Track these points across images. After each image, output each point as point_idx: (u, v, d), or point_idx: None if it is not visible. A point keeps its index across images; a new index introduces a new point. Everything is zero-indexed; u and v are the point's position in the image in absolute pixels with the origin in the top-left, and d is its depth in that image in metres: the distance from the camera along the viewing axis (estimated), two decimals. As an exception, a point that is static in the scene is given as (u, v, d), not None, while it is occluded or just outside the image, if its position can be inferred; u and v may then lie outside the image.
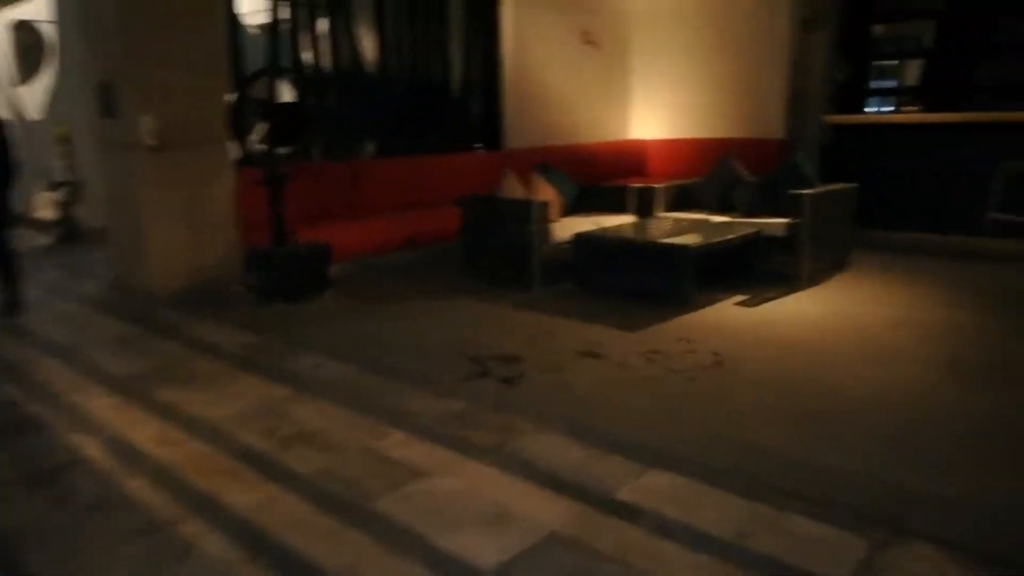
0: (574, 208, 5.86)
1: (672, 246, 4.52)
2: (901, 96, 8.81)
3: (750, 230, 4.94)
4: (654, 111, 8.67)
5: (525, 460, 2.61)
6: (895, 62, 9.06)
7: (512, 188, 5.52)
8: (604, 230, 5.11)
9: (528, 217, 4.92)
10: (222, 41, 5.12)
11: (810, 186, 5.32)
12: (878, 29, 8.64)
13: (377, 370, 3.55)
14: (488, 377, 3.43)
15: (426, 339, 4.05)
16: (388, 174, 6.07)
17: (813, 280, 5.12)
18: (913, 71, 8.56)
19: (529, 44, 7.34)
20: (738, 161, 5.88)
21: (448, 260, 5.69)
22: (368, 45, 6.50)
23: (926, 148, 6.78)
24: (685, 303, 4.53)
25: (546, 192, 5.65)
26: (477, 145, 7.34)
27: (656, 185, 5.78)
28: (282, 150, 4.93)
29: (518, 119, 7.32)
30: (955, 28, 8.00)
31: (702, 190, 5.90)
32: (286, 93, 6.28)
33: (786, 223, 5.03)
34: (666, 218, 5.55)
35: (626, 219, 5.60)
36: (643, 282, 4.68)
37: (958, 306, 4.50)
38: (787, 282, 5.02)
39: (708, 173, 5.97)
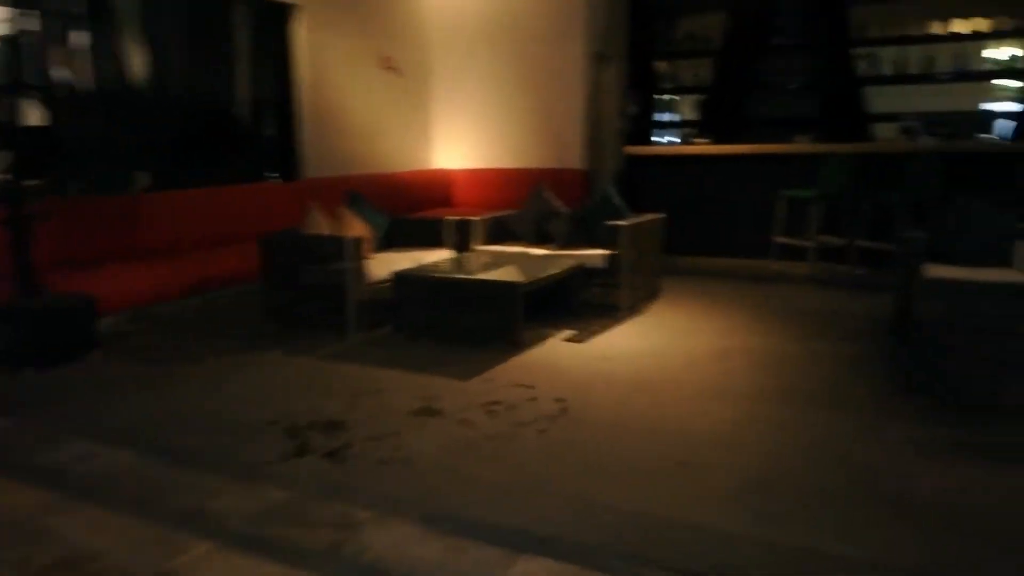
0: (386, 243, 5.43)
1: (502, 283, 4.26)
2: (685, 128, 9.40)
3: (572, 263, 4.81)
4: (459, 140, 8.48)
5: (370, 564, 2.15)
6: (680, 97, 9.62)
7: (318, 222, 4.98)
8: (426, 267, 4.75)
9: (341, 255, 4.44)
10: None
11: (622, 217, 5.34)
12: (663, 66, 9.20)
13: (167, 457, 2.89)
14: (309, 453, 2.91)
15: (227, 409, 3.42)
16: (170, 209, 5.26)
17: (633, 310, 5.12)
18: (696, 106, 9.16)
19: (327, 67, 6.82)
20: (551, 193, 5.80)
21: (247, 306, 5.01)
22: (139, 62, 5.63)
23: (715, 177, 7.19)
24: (516, 343, 4.28)
25: (357, 226, 5.17)
26: (271, 175, 6.67)
27: (473, 218, 5.52)
28: (30, 183, 4.04)
29: (317, 147, 6.76)
30: (728, 67, 8.67)
31: (518, 222, 5.73)
32: (35, 116, 5.25)
33: (605, 254, 4.98)
34: (486, 252, 5.30)
35: (444, 254, 5.27)
36: (472, 322, 4.36)
37: (771, 332, 4.67)
38: (609, 313, 4.96)
39: (523, 205, 5.82)
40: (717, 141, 7.76)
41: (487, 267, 4.77)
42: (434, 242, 5.45)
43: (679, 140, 9.35)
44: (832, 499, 2.53)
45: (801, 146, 6.90)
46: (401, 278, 4.57)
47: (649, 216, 5.41)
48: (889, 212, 6.05)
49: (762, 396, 3.55)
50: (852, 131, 7.92)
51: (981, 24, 7.61)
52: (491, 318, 4.31)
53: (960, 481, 2.66)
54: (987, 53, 8.14)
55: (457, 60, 8.22)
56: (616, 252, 4.94)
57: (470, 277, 4.49)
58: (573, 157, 7.96)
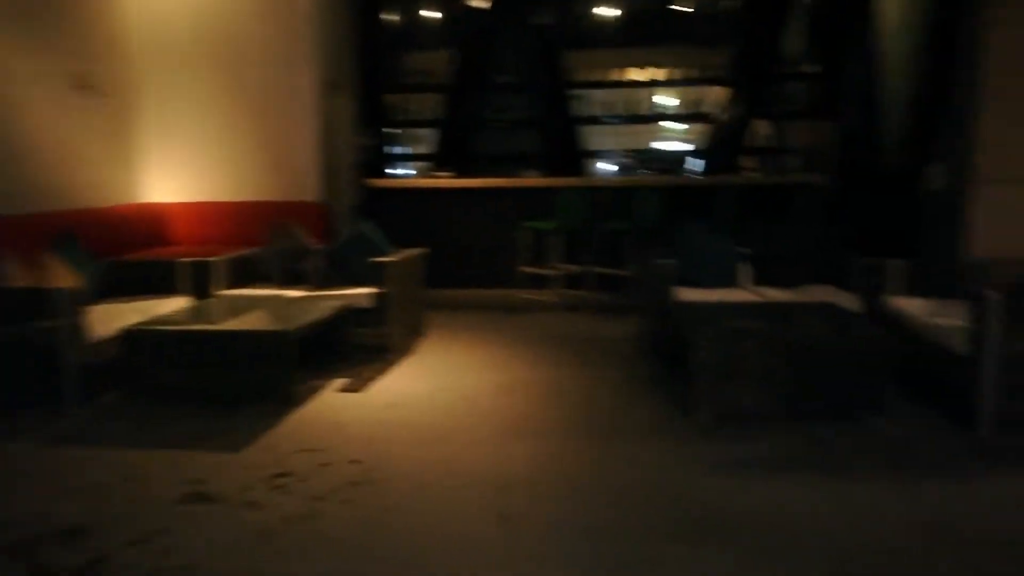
0: (103, 291, 4.55)
1: (269, 332, 3.76)
2: (419, 162, 9.41)
3: (338, 304, 4.44)
4: (173, 170, 7.53)
5: None
6: (406, 131, 9.61)
7: (11, 271, 4.01)
8: (165, 319, 4.03)
9: (51, 311, 3.59)
10: None
11: (383, 253, 5.10)
12: (394, 99, 9.12)
13: None
14: (51, 577, 2.23)
15: (-95, 531, 2.52)
16: None
17: (404, 351, 4.88)
18: (426, 139, 9.22)
19: (4, 85, 5.62)
20: (299, 228, 5.35)
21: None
22: None
23: (459, 210, 7.23)
24: (289, 400, 3.80)
25: (63, 274, 4.26)
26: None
27: (212, 258, 4.86)
28: None
29: (-3, 179, 5.52)
30: (458, 102, 8.85)
31: (264, 262, 5.19)
32: None
33: (371, 293, 4.68)
34: (232, 297, 4.69)
35: (179, 302, 4.56)
36: (232, 381, 3.79)
37: (541, 361, 4.73)
38: (379, 356, 4.66)
39: (267, 243, 5.29)
40: (460, 174, 7.83)
41: (240, 315, 4.21)
42: (164, 288, 4.70)
43: (414, 173, 9.33)
44: (671, 538, 2.54)
45: (538, 180, 7.23)
46: (133, 335, 3.83)
47: (412, 251, 5.22)
48: (619, 240, 6.56)
49: (557, 431, 3.53)
50: (571, 166, 8.51)
51: (664, 73, 8.70)
52: (256, 373, 3.78)
53: (766, 496, 2.85)
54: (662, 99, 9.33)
55: (172, 82, 7.33)
56: (383, 290, 4.67)
57: (228, 328, 3.90)
58: (309, 189, 7.49)
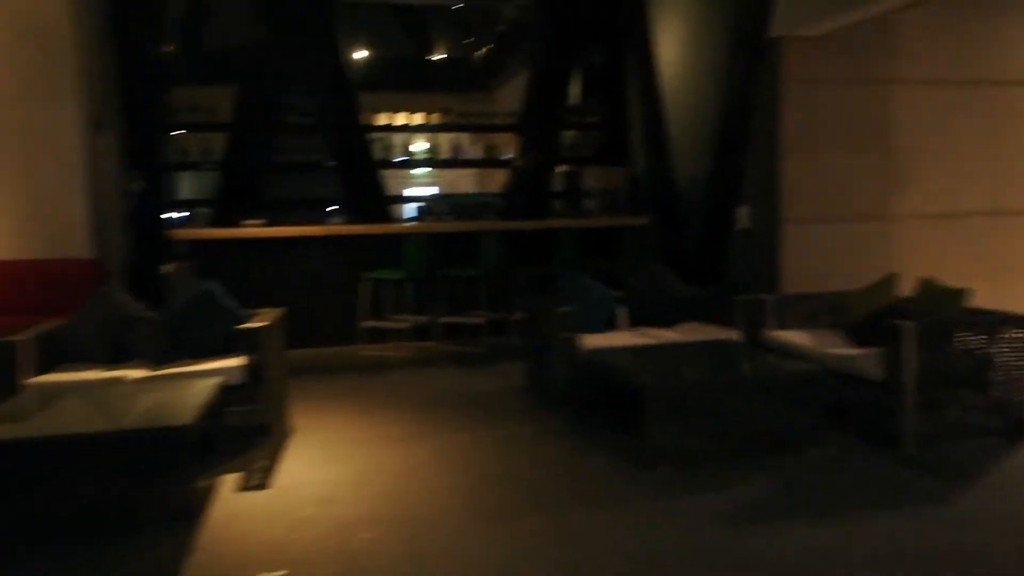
0: None
1: (163, 429, 2.92)
2: (200, 208, 8.28)
3: (215, 382, 3.63)
4: None
5: None
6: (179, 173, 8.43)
7: None
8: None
9: None
10: None
11: (235, 316, 4.34)
12: (167, 138, 7.94)
13: None
14: None
15: None
16: None
17: (283, 430, 4.17)
18: (206, 183, 8.17)
19: None
20: (124, 292, 4.35)
21: None
22: None
23: (284, 261, 6.49)
24: (186, 513, 2.99)
25: None
26: None
27: (17, 337, 3.72)
28: None
29: None
30: (243, 143, 7.99)
31: (80, 336, 4.12)
32: None
33: (242, 366, 3.93)
34: (55, 386, 3.63)
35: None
36: (111, 498, 2.89)
37: (444, 427, 4.33)
38: (259, 438, 3.91)
39: (82, 312, 4.21)
40: (222, 222, 6.99)
41: (86, 410, 3.25)
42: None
43: (190, 221, 8.20)
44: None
45: (378, 227, 6.78)
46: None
47: (273, 312, 4.49)
48: (467, 287, 6.36)
49: (514, 506, 3.20)
50: (375, 212, 8.09)
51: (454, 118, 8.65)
52: (143, 485, 2.92)
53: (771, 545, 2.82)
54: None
55: None
56: (255, 361, 3.94)
57: (101, 428, 2.96)
58: (78, 243, 6.24)
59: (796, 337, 4.37)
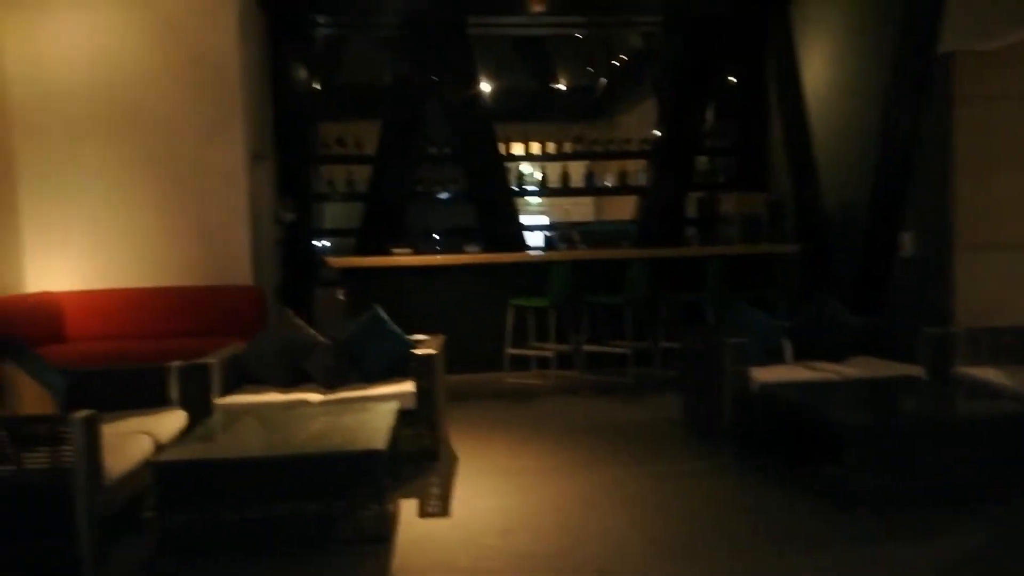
0: (69, 406, 3.52)
1: (359, 453, 2.98)
2: (346, 236, 8.58)
3: (395, 407, 3.70)
4: (65, 254, 6.34)
5: None
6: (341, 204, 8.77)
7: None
8: (199, 445, 3.13)
9: (61, 441, 2.65)
10: None
11: (402, 342, 4.44)
12: (317, 170, 8.34)
13: None
14: None
15: None
16: None
17: (450, 455, 4.21)
18: (352, 212, 8.48)
19: None
20: (300, 319, 4.54)
21: None
22: None
23: (434, 288, 6.63)
24: (377, 535, 3.03)
25: (30, 389, 3.24)
26: None
27: (208, 360, 3.94)
28: None
29: None
30: (386, 174, 8.25)
31: (261, 361, 4.31)
32: None
33: (413, 391, 4.00)
34: (244, 408, 3.81)
35: (175, 416, 3.63)
36: (305, 519, 2.97)
37: (606, 457, 4.25)
38: (428, 463, 3.95)
39: (261, 337, 4.42)
40: (368, 251, 7.22)
41: (271, 430, 3.38)
42: (147, 399, 3.75)
43: (331, 249, 8.54)
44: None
45: (522, 255, 6.85)
46: (164, 469, 2.91)
47: (436, 337, 4.57)
48: (611, 315, 6.29)
49: (702, 547, 3.05)
50: (513, 240, 8.16)
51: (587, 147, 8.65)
52: (339, 507, 2.98)
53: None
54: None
55: (63, 151, 6.25)
56: (425, 386, 4.00)
57: (298, 451, 3.07)
58: (241, 272, 6.58)
59: (991, 374, 4.03)
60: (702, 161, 8.69)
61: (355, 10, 8.07)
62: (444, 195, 8.46)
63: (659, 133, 8.51)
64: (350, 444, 3.04)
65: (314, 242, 8.27)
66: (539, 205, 13.41)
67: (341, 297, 6.49)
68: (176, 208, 6.41)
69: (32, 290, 6.17)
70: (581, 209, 12.49)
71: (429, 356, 4.01)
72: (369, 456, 2.95)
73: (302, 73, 7.89)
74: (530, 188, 8.81)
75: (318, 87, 8.45)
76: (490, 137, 8.15)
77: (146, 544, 2.88)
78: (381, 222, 8.14)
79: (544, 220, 11.68)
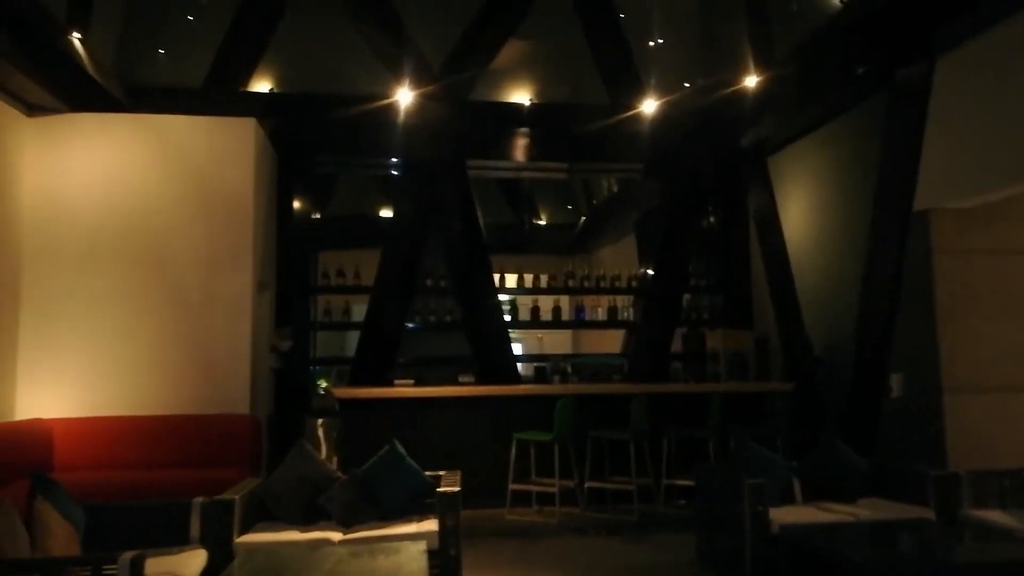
0: (87, 543, 3.42)
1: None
2: (339, 366, 8.59)
3: (423, 549, 3.63)
4: (59, 381, 6.23)
5: None
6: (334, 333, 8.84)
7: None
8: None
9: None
10: None
11: (420, 478, 4.42)
12: (314, 300, 8.44)
13: None
14: None
15: None
16: None
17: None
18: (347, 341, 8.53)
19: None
20: (313, 450, 4.51)
21: None
22: None
23: (434, 420, 6.62)
24: None
25: (60, 527, 3.15)
26: None
27: (231, 497, 3.87)
28: None
29: None
30: (383, 304, 8.38)
31: (279, 496, 4.24)
32: None
33: (435, 530, 3.96)
34: (269, 548, 3.71)
35: (197, 555, 3.52)
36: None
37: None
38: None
39: (279, 472, 4.37)
40: (367, 382, 7.26)
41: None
42: (166, 536, 3.65)
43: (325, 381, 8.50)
44: None
45: (525, 388, 6.92)
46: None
47: (453, 473, 4.56)
48: (615, 450, 6.32)
49: None
50: (506, 371, 8.23)
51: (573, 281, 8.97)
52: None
53: None
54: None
55: (66, 276, 6.28)
56: (451, 524, 3.96)
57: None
58: (239, 399, 6.51)
59: (999, 517, 4.15)
60: (686, 298, 9.01)
61: (360, 151, 8.47)
62: (438, 325, 8.58)
63: (649, 271, 8.86)
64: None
65: (312, 367, 8.25)
66: (513, 336, 13.56)
67: (332, 434, 6.44)
68: (181, 335, 6.40)
69: (22, 417, 6.01)
70: (554, 339, 12.57)
71: (454, 493, 4.00)
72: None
73: (305, 204, 8.16)
74: (523, 320, 8.99)
75: (318, 217, 8.72)
76: (486, 270, 8.39)
77: None
78: (377, 352, 8.19)
79: (518, 350, 11.82)
